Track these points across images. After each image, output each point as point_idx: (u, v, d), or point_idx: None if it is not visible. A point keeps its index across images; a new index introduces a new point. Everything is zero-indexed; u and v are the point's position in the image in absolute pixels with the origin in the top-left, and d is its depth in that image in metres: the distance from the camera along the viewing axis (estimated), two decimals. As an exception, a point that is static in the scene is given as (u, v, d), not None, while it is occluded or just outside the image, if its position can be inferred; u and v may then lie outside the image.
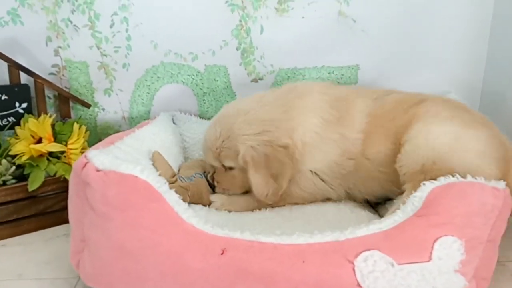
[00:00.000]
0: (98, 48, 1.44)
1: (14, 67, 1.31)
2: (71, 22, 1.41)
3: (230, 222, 1.07)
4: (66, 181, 1.10)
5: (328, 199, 1.22)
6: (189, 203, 1.13)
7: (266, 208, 1.19)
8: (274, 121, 1.15)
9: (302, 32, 1.51)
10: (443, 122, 1.09)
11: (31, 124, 1.25)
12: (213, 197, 1.21)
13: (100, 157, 0.90)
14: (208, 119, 1.52)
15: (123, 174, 0.86)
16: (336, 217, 1.14)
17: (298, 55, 1.53)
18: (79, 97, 1.45)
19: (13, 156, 1.23)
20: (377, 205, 1.25)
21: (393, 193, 1.17)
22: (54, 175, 1.24)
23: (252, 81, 1.55)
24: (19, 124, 1.29)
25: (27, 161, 1.22)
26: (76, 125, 1.30)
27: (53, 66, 1.44)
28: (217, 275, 0.83)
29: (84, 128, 1.32)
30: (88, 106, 1.46)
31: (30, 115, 1.31)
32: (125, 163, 0.88)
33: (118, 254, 0.86)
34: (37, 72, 1.34)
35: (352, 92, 1.25)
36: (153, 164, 1.13)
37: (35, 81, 1.34)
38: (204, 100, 1.56)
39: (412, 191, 0.95)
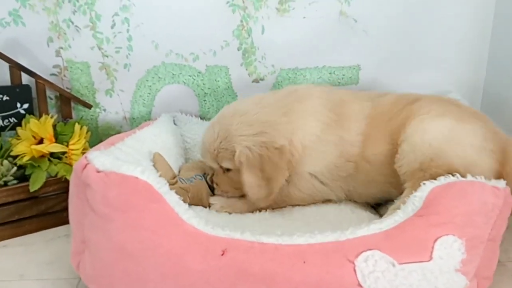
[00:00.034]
0: (100, 48, 1.44)
1: (16, 67, 1.31)
2: (72, 22, 1.41)
3: (230, 224, 1.06)
4: (67, 182, 1.10)
5: (328, 200, 1.22)
6: (189, 204, 1.12)
7: (266, 210, 1.19)
8: (272, 123, 1.15)
9: (303, 32, 1.51)
10: (437, 119, 1.10)
11: (32, 124, 1.25)
12: (212, 199, 1.21)
13: (101, 158, 0.90)
14: (209, 119, 1.51)
15: (124, 175, 0.86)
16: (337, 217, 1.14)
17: (299, 55, 1.53)
18: (81, 98, 1.45)
19: (15, 157, 1.23)
20: (378, 205, 1.25)
21: (392, 195, 1.17)
22: (56, 175, 1.24)
23: (253, 81, 1.55)
24: (20, 125, 1.29)
25: (28, 162, 1.22)
26: (77, 126, 1.30)
27: (55, 66, 1.44)
28: (218, 277, 0.83)
29: (85, 128, 1.32)
30: (89, 106, 1.46)
31: (31, 115, 1.31)
32: (126, 164, 0.88)
33: (119, 255, 0.86)
34: (38, 73, 1.35)
35: (349, 95, 1.25)
36: (153, 166, 1.13)
37: (36, 82, 1.35)
38: (205, 100, 1.56)
39: (412, 189, 0.95)
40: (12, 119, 1.32)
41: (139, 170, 0.87)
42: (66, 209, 1.00)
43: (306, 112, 1.19)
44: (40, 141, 1.25)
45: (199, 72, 1.52)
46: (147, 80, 1.51)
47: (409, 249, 0.84)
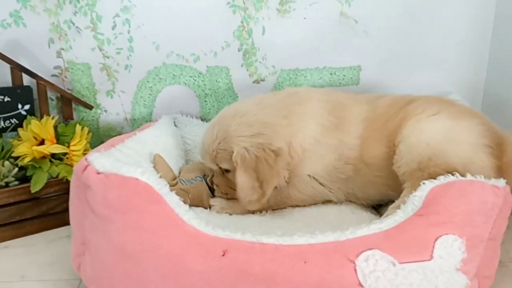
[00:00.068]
0: (100, 49, 1.45)
1: (17, 69, 1.32)
2: (73, 24, 1.41)
3: (231, 225, 1.06)
4: (68, 183, 1.10)
5: (328, 201, 1.22)
6: (190, 205, 1.12)
7: (267, 211, 1.19)
8: (272, 124, 1.15)
9: (304, 33, 1.51)
10: (433, 118, 1.10)
11: (33, 125, 1.25)
12: (212, 201, 1.21)
13: (101, 159, 0.90)
14: (210, 120, 1.52)
15: (124, 176, 0.86)
16: (337, 218, 1.14)
17: (300, 56, 1.54)
18: (82, 99, 1.45)
19: (16, 158, 1.23)
20: (379, 206, 1.25)
21: (390, 197, 1.17)
22: (57, 176, 1.24)
23: (254, 82, 1.55)
24: (21, 126, 1.29)
25: (29, 163, 1.22)
26: (78, 127, 1.30)
27: (56, 68, 1.44)
28: (218, 277, 0.83)
29: (86, 129, 1.32)
30: (90, 107, 1.46)
31: (32, 116, 1.31)
32: (126, 166, 0.88)
33: (119, 256, 0.86)
34: (39, 74, 1.35)
35: (349, 99, 1.25)
36: (154, 167, 1.14)
37: (37, 83, 1.35)
38: (206, 101, 1.56)
39: (412, 189, 0.95)
40: (13, 120, 1.32)
41: (140, 171, 0.87)
42: (67, 210, 1.00)
43: (306, 115, 1.19)
44: (41, 142, 1.26)
45: (200, 73, 1.52)
46: (148, 81, 1.51)
47: (409, 248, 0.84)
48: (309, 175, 1.17)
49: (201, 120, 1.55)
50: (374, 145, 1.16)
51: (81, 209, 0.92)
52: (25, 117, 1.32)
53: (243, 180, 1.10)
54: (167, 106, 1.54)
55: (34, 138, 1.25)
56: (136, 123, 1.54)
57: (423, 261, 0.83)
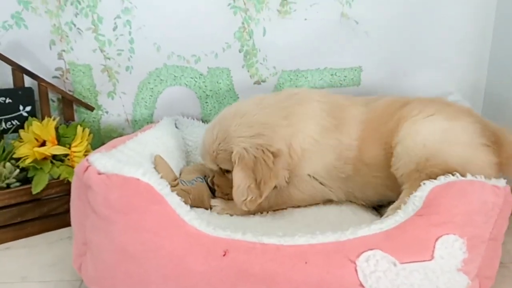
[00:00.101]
0: (102, 51, 1.45)
1: (18, 70, 1.32)
2: (74, 25, 1.42)
3: (232, 225, 1.06)
4: (69, 184, 1.10)
5: (329, 201, 1.22)
6: (191, 206, 1.12)
7: (267, 212, 1.20)
8: (272, 125, 1.15)
9: (305, 34, 1.52)
10: (428, 119, 1.11)
11: (35, 127, 1.25)
12: (213, 202, 1.21)
13: (102, 160, 0.90)
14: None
15: (125, 177, 0.86)
16: (338, 219, 1.14)
17: (301, 57, 1.54)
18: (83, 100, 1.45)
19: (17, 159, 1.23)
20: (380, 207, 1.25)
21: (389, 197, 1.18)
22: (58, 178, 1.25)
23: (255, 83, 1.55)
24: (23, 127, 1.29)
25: (31, 164, 1.22)
26: (79, 128, 1.31)
27: (57, 69, 1.44)
28: (219, 278, 0.83)
29: (87, 131, 1.33)
30: (91, 109, 1.46)
31: (34, 118, 1.31)
32: (127, 166, 0.88)
33: (121, 257, 0.86)
34: (41, 76, 1.35)
35: (347, 100, 1.26)
36: (155, 168, 1.14)
37: (39, 84, 1.35)
38: (207, 102, 1.57)
39: (410, 191, 0.96)
40: (15, 122, 1.32)
41: (141, 172, 0.87)
42: (68, 211, 1.00)
43: (306, 116, 1.19)
44: (43, 144, 1.26)
45: (201, 74, 1.53)
46: (149, 82, 1.51)
47: (410, 248, 0.84)
48: (309, 175, 1.18)
49: (202, 121, 1.56)
50: (371, 146, 1.17)
51: (83, 210, 0.92)
52: (26, 118, 1.32)
53: (239, 179, 1.10)
54: (168, 107, 1.55)
55: (35, 140, 1.25)
56: (137, 124, 1.54)
57: (424, 261, 0.83)
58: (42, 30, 1.40)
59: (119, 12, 1.42)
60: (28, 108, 1.33)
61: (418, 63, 1.56)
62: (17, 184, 1.23)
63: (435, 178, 0.93)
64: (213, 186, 1.23)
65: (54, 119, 1.29)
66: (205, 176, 1.26)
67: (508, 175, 1.02)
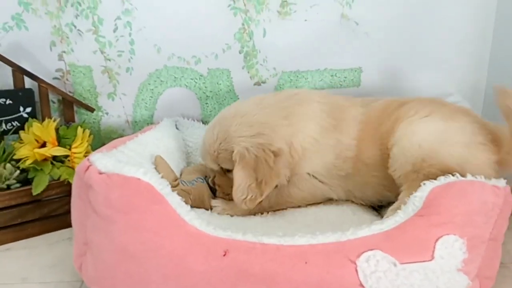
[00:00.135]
0: (102, 52, 1.45)
1: (18, 71, 1.32)
2: (75, 26, 1.42)
3: (232, 226, 1.06)
4: (70, 185, 1.10)
5: (330, 200, 1.23)
6: (191, 207, 1.12)
7: (268, 212, 1.20)
8: (272, 125, 1.16)
9: (305, 35, 1.52)
10: (424, 120, 1.11)
11: (35, 128, 1.25)
12: (214, 202, 1.21)
13: (103, 160, 0.90)
14: (211, 123, 1.53)
15: (126, 176, 0.86)
16: (338, 219, 1.14)
17: (301, 58, 1.54)
18: (83, 101, 1.45)
19: (17, 160, 1.23)
20: (380, 208, 1.25)
21: (387, 198, 1.19)
22: (58, 179, 1.25)
23: (255, 84, 1.56)
24: (23, 129, 1.29)
25: (31, 165, 1.22)
26: (80, 129, 1.31)
27: (57, 70, 1.44)
28: (219, 277, 0.83)
29: (88, 132, 1.33)
30: (92, 110, 1.47)
31: (34, 119, 1.31)
32: (128, 166, 0.88)
33: (121, 257, 0.86)
34: (41, 77, 1.35)
35: (346, 101, 1.27)
36: (155, 168, 1.14)
37: (39, 86, 1.35)
38: (207, 103, 1.57)
39: (408, 192, 0.96)
40: (15, 123, 1.32)
41: (141, 171, 0.87)
42: (69, 212, 1.00)
43: (306, 116, 1.20)
44: (43, 145, 1.26)
45: (201, 75, 1.53)
46: (149, 84, 1.51)
47: (410, 249, 0.84)
48: (308, 173, 1.18)
49: (202, 122, 1.56)
50: (369, 146, 1.18)
51: (83, 209, 0.92)
52: (26, 119, 1.32)
53: (240, 177, 1.11)
54: (168, 109, 1.55)
55: (35, 141, 1.25)
56: (137, 126, 1.54)
57: (424, 261, 0.83)
58: (42, 31, 1.40)
59: (119, 14, 1.43)
60: (29, 109, 1.34)
61: (418, 64, 1.56)
62: (18, 185, 1.23)
63: (433, 179, 0.92)
64: (214, 186, 1.23)
65: (54, 120, 1.29)
66: (205, 176, 1.26)
67: (510, 170, 1.03)
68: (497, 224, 0.90)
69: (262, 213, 1.19)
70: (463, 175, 0.93)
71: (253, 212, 1.19)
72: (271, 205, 1.19)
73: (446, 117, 1.10)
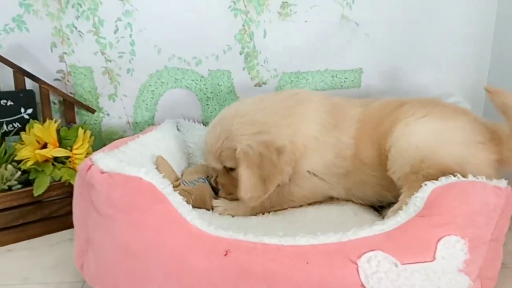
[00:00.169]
0: (103, 53, 1.45)
1: (19, 73, 1.32)
2: (75, 28, 1.42)
3: (233, 226, 1.07)
4: (71, 186, 1.11)
5: (330, 201, 1.23)
6: (192, 207, 1.12)
7: (269, 212, 1.20)
8: (273, 123, 1.17)
9: (305, 36, 1.52)
10: (421, 120, 1.11)
11: (36, 129, 1.25)
12: (215, 202, 1.21)
13: (105, 159, 0.90)
14: (212, 124, 1.53)
15: (128, 176, 0.87)
16: (339, 220, 1.14)
17: (301, 59, 1.54)
18: (84, 103, 1.45)
19: (19, 162, 1.23)
20: (381, 208, 1.25)
21: (386, 198, 1.20)
22: (59, 180, 1.25)
23: (255, 85, 1.56)
24: (24, 130, 1.30)
25: (32, 166, 1.22)
26: (81, 130, 1.31)
27: (58, 71, 1.44)
28: (221, 276, 0.83)
29: (89, 133, 1.33)
30: (92, 111, 1.47)
31: (35, 120, 1.32)
32: (129, 165, 0.88)
33: (123, 255, 0.86)
34: (42, 78, 1.35)
35: (344, 101, 1.28)
36: (156, 168, 1.14)
37: (40, 87, 1.35)
38: (208, 104, 1.57)
39: (409, 193, 0.96)
40: (16, 124, 1.32)
41: (143, 171, 0.88)
42: (70, 213, 1.00)
43: (307, 114, 1.21)
44: (44, 146, 1.26)
45: (202, 77, 1.53)
46: (150, 85, 1.51)
47: (411, 249, 0.84)
48: (308, 171, 1.19)
49: (203, 124, 1.55)
50: (367, 145, 1.18)
51: (85, 208, 0.92)
52: (27, 121, 1.32)
53: (245, 176, 1.11)
54: (169, 110, 1.55)
55: (36, 142, 1.25)
56: (138, 127, 1.54)
57: (426, 262, 0.83)
58: (43, 32, 1.40)
59: (120, 15, 1.43)
60: (30, 111, 1.34)
61: (419, 65, 1.56)
62: (19, 186, 1.23)
63: (433, 179, 0.93)
64: (216, 186, 1.24)
65: (55, 122, 1.29)
66: (207, 176, 1.26)
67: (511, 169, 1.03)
68: (498, 225, 0.90)
69: (263, 214, 1.19)
70: (462, 175, 0.93)
71: (254, 213, 1.19)
72: (272, 204, 1.19)
73: (444, 117, 1.11)
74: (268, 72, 1.54)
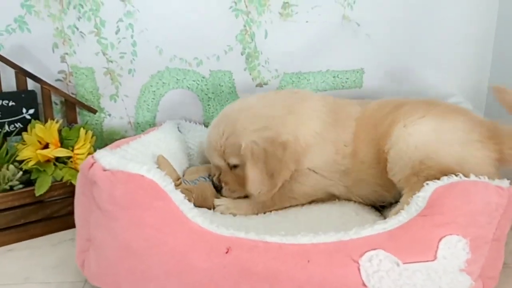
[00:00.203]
0: (104, 54, 1.45)
1: (21, 73, 1.32)
2: (77, 28, 1.42)
3: (235, 224, 1.07)
4: (72, 186, 1.11)
5: (332, 200, 1.24)
6: (194, 205, 1.13)
7: (271, 211, 1.20)
8: (277, 118, 1.18)
9: (306, 37, 1.52)
10: (419, 122, 1.11)
11: (38, 129, 1.25)
12: (217, 201, 1.21)
13: (108, 157, 0.91)
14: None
15: (130, 173, 0.87)
16: (341, 219, 1.14)
17: (303, 59, 1.54)
18: (85, 103, 1.45)
19: (20, 162, 1.23)
20: (382, 208, 1.25)
21: (385, 198, 1.20)
22: (61, 180, 1.25)
23: (257, 86, 1.56)
24: (26, 130, 1.29)
25: (34, 167, 1.22)
26: (82, 131, 1.31)
27: (60, 72, 1.44)
28: (222, 275, 0.83)
29: (90, 133, 1.33)
30: (94, 111, 1.47)
31: (37, 121, 1.31)
32: (131, 163, 0.89)
33: (124, 253, 0.87)
34: (44, 79, 1.35)
35: (343, 100, 1.30)
36: (157, 168, 1.14)
37: (42, 88, 1.35)
38: (209, 105, 1.57)
39: (410, 195, 0.95)
40: (18, 124, 1.32)
41: (145, 168, 0.88)
42: (71, 213, 1.01)
43: (310, 111, 1.22)
44: (46, 146, 1.26)
45: (203, 77, 1.53)
46: (151, 85, 1.51)
47: (413, 248, 0.84)
48: (309, 169, 1.19)
49: (204, 126, 1.56)
50: (364, 144, 1.19)
51: (87, 206, 0.92)
52: (29, 121, 1.32)
53: (253, 174, 1.13)
54: (170, 110, 1.55)
55: (38, 142, 1.25)
56: (139, 127, 1.54)
57: (427, 261, 0.83)
58: (45, 33, 1.40)
59: (121, 16, 1.43)
60: (31, 111, 1.34)
61: (420, 65, 1.57)
62: (20, 186, 1.23)
63: (434, 180, 0.93)
64: (219, 183, 1.24)
65: (57, 122, 1.29)
66: (209, 175, 1.26)
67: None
68: (500, 225, 0.90)
69: (265, 213, 1.20)
70: (464, 174, 0.93)
71: (256, 212, 1.19)
72: (274, 202, 1.20)
73: (440, 117, 1.11)
74: (269, 73, 1.54)
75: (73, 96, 1.45)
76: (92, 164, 0.89)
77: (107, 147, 1.04)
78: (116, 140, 1.21)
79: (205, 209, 1.18)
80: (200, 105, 1.57)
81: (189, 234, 0.86)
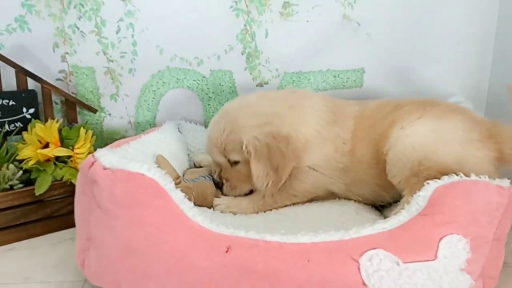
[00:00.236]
0: (105, 53, 1.45)
1: (22, 73, 1.32)
2: (78, 28, 1.42)
3: (235, 223, 1.07)
4: (72, 186, 1.11)
5: (332, 200, 1.24)
6: (194, 204, 1.13)
7: (271, 210, 1.20)
8: (278, 114, 1.18)
9: (307, 36, 1.52)
10: (417, 122, 1.11)
11: (38, 129, 1.25)
12: (218, 200, 1.22)
13: (108, 156, 0.91)
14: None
15: (131, 172, 0.87)
16: (341, 219, 1.14)
17: (303, 59, 1.54)
18: (86, 103, 1.45)
19: (20, 161, 1.23)
20: (382, 207, 1.25)
21: (384, 198, 1.21)
22: (61, 179, 1.25)
23: (257, 85, 1.56)
24: (26, 129, 1.29)
25: (34, 166, 1.22)
26: (82, 130, 1.31)
27: (60, 72, 1.45)
28: (222, 274, 0.83)
29: (90, 133, 1.33)
30: (94, 111, 1.47)
31: (37, 120, 1.32)
32: (132, 162, 0.89)
33: (124, 252, 0.87)
34: (44, 78, 1.35)
35: (342, 100, 1.31)
36: (157, 167, 1.14)
37: (42, 87, 1.35)
38: (209, 105, 1.57)
39: (410, 196, 0.95)
40: (18, 124, 1.32)
41: (146, 167, 0.88)
42: (71, 212, 1.01)
43: (310, 108, 1.22)
44: (46, 145, 1.26)
45: (204, 77, 1.53)
46: (151, 85, 1.51)
47: (413, 248, 0.84)
48: (308, 166, 1.20)
49: (205, 126, 1.56)
50: (362, 144, 1.20)
51: (87, 205, 0.92)
52: (29, 120, 1.33)
53: (258, 169, 1.14)
54: (171, 110, 1.55)
55: (38, 141, 1.25)
56: (139, 127, 1.54)
57: (427, 260, 0.83)
58: (45, 33, 1.40)
59: (122, 15, 1.43)
60: (32, 110, 1.34)
61: (421, 64, 1.56)
62: (20, 185, 1.23)
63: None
64: (220, 180, 1.24)
65: (57, 121, 1.29)
66: (209, 174, 1.26)
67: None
68: (501, 224, 0.90)
69: (265, 212, 1.20)
70: (463, 174, 0.93)
71: (256, 211, 1.20)
72: (275, 200, 1.20)
73: (438, 117, 1.11)
74: (269, 72, 1.54)
75: (74, 95, 1.45)
76: (93, 163, 0.90)
77: (108, 147, 1.04)
78: (116, 139, 1.22)
79: (205, 208, 1.18)
80: (201, 104, 1.57)
81: (189, 233, 0.86)
